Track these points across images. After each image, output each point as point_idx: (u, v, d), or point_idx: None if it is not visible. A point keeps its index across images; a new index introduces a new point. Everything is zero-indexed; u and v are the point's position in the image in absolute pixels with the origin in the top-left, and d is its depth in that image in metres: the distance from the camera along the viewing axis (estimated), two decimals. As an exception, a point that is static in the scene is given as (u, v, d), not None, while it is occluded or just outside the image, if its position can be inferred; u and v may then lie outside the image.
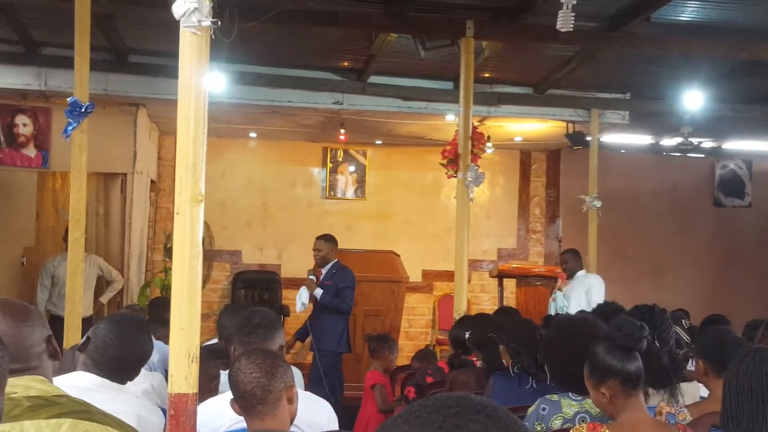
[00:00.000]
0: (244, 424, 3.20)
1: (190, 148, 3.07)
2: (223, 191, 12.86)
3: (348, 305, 8.90)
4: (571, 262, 9.73)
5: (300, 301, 8.65)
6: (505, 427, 1.09)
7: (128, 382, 3.49)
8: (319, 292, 8.72)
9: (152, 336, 3.68)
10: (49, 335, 2.48)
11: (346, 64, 10.01)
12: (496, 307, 9.88)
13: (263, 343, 3.92)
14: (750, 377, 2.65)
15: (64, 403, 2.28)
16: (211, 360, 4.13)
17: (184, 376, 3.01)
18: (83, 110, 5.89)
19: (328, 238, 9.05)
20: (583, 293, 9.42)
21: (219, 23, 3.10)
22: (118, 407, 2.85)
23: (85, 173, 6.17)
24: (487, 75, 10.07)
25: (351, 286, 8.93)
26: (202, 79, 3.08)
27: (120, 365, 3.34)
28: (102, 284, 10.15)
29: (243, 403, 3.10)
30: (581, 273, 9.67)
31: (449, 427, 1.07)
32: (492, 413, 1.10)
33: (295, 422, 3.33)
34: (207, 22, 3.03)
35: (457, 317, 7.32)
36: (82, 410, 2.28)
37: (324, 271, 8.91)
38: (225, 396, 3.37)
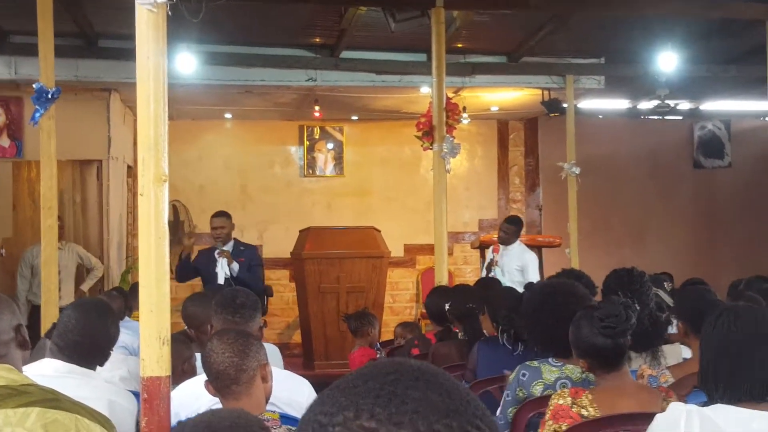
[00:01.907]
0: (220, 405, 3.16)
1: (151, 127, 3.01)
2: (201, 174, 12.80)
3: (262, 282, 8.81)
4: (510, 232, 9.23)
5: (223, 272, 8.37)
6: (446, 393, 1.04)
7: (102, 368, 3.45)
8: (236, 267, 8.46)
9: (118, 320, 3.64)
10: (19, 324, 2.44)
11: (317, 40, 9.92)
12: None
13: (246, 324, 3.88)
14: (727, 334, 2.62)
15: (33, 392, 2.25)
16: (180, 342, 4.09)
17: (155, 359, 2.98)
18: (50, 96, 5.83)
19: (228, 215, 8.87)
20: (516, 271, 9.05)
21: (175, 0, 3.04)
22: (86, 393, 2.81)
23: (55, 160, 6.12)
24: (459, 45, 10.00)
25: (262, 264, 8.89)
26: (161, 58, 3.02)
27: (83, 350, 3.31)
28: (83, 272, 10.10)
29: (217, 383, 3.07)
30: (516, 245, 9.26)
31: (386, 395, 1.02)
32: (431, 378, 1.05)
33: (272, 401, 3.30)
34: (162, -1, 2.97)
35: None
36: (51, 399, 2.25)
37: (229, 248, 8.68)
38: (201, 378, 3.34)
